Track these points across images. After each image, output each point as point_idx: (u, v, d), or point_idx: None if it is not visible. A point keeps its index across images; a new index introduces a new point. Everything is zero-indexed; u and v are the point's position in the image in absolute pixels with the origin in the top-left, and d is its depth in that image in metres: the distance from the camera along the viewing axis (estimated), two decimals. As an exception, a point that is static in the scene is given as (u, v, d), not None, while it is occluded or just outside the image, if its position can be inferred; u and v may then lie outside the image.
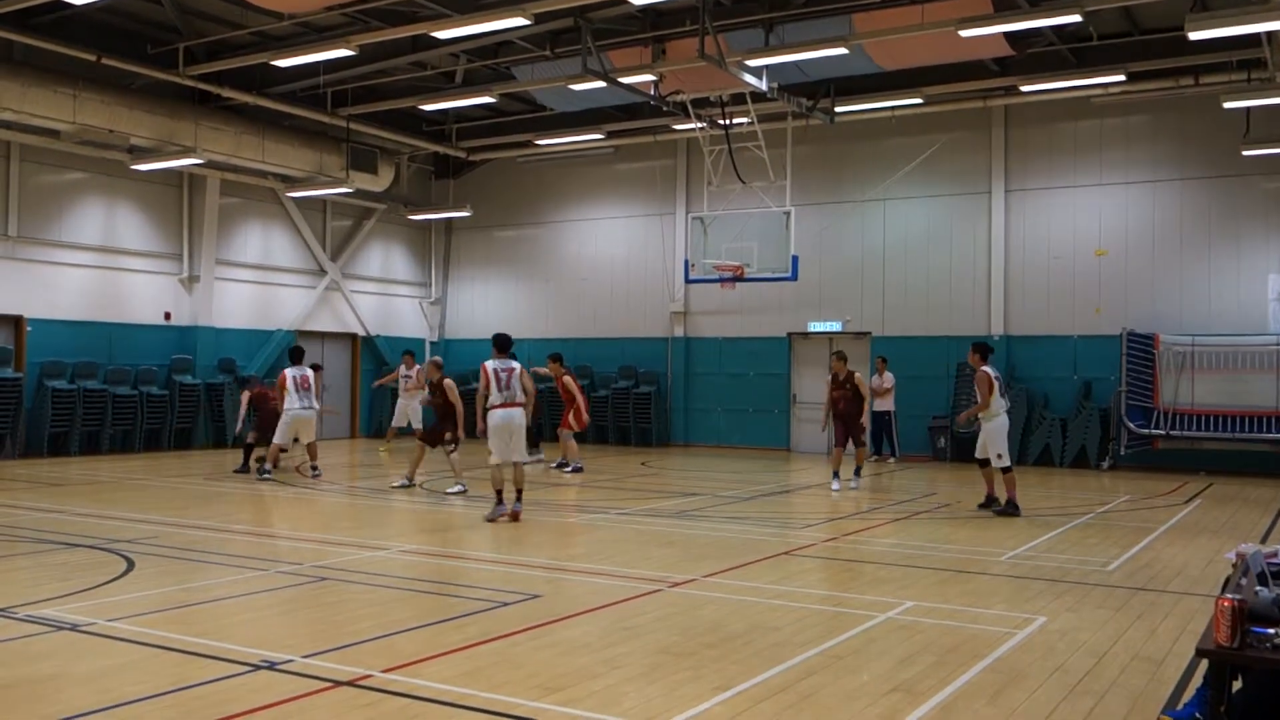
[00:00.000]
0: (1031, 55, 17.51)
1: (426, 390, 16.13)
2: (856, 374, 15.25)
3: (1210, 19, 13.17)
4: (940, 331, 20.91)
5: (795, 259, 17.61)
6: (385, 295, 25.91)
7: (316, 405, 15.83)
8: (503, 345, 11.91)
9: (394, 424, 20.20)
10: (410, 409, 19.77)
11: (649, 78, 17.02)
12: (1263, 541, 10.21)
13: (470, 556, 9.38)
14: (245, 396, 17.13)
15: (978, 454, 12.83)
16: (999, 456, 12.46)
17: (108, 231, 20.37)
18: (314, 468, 15.78)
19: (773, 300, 22.10)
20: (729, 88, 17.19)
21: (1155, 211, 19.39)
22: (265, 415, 16.17)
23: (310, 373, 15.91)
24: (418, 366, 19.68)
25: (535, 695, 5.29)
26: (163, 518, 11.40)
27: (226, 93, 18.79)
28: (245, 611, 7.26)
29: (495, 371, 11.62)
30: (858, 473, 15.67)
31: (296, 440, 15.72)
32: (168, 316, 21.27)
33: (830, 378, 15.38)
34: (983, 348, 12.94)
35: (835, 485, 15.14)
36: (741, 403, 22.89)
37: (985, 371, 12.56)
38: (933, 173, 21.01)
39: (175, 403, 20.33)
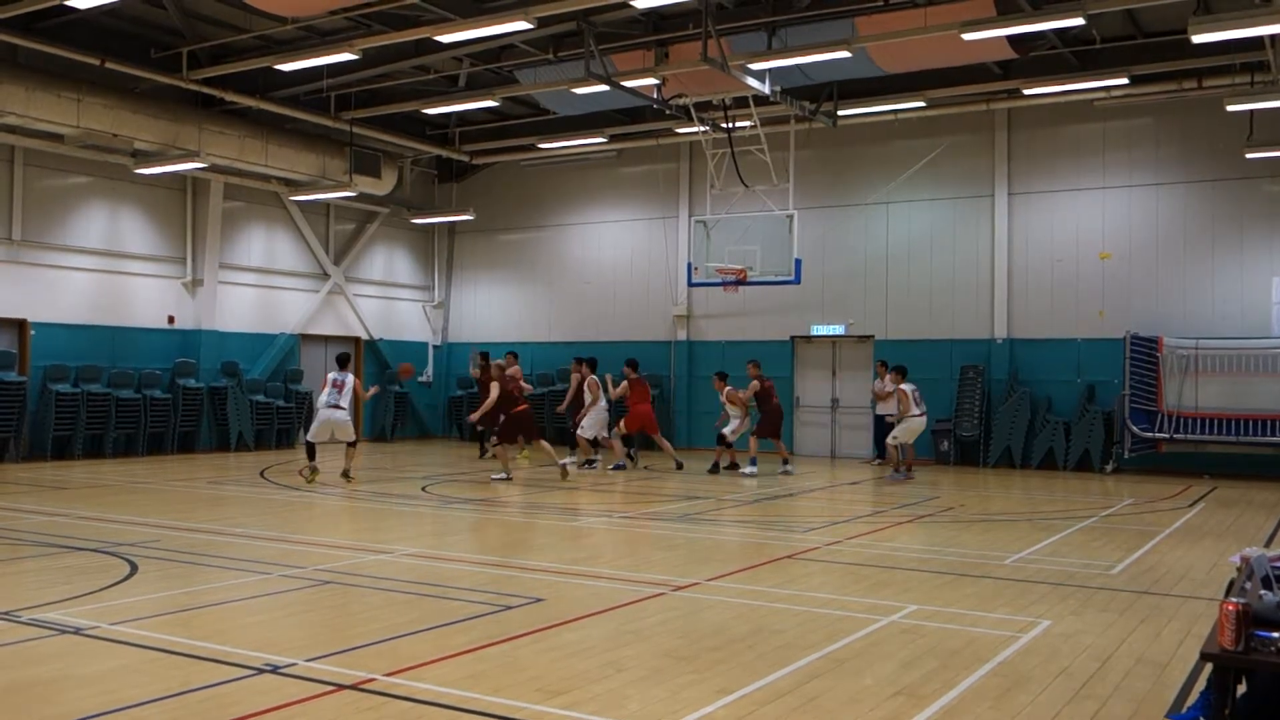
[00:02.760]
0: (1034, 58, 17.52)
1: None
2: (761, 384, 17.65)
3: (1213, 22, 13.16)
4: (943, 335, 20.89)
5: (798, 262, 17.59)
6: (388, 299, 25.93)
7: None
8: (904, 371, 17.46)
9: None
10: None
11: (652, 81, 17.02)
12: (1267, 545, 10.21)
13: (473, 560, 9.39)
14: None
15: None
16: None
17: (111, 235, 20.40)
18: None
19: (776, 303, 22.09)
20: (731, 91, 17.18)
21: (1159, 214, 19.37)
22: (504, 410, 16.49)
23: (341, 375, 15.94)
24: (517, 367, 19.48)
25: (538, 699, 5.28)
26: (166, 521, 11.41)
27: (230, 96, 18.82)
28: (248, 615, 7.26)
29: (913, 393, 17.06)
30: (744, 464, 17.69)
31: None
32: (171, 320, 21.29)
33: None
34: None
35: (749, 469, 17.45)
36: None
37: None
38: (936, 176, 21.01)
39: (179, 406, 20.35)
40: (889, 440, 17.40)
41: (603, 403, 18.28)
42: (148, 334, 20.81)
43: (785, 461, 17.85)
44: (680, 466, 18.11)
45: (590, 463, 18.34)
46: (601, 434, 18.45)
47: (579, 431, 18.40)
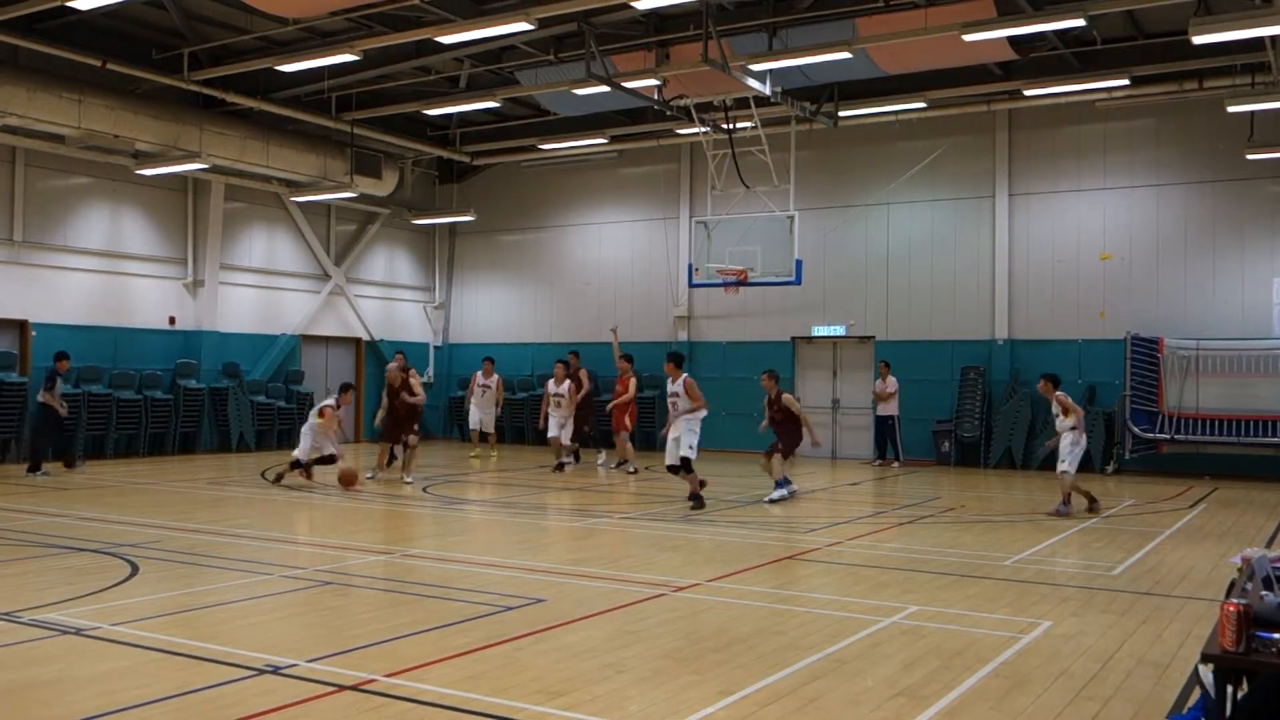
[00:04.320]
0: (1035, 59, 17.52)
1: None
2: (785, 395, 14.53)
3: (1214, 23, 13.16)
4: (944, 336, 20.89)
5: (799, 263, 17.59)
6: (389, 300, 25.93)
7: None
8: (1056, 381, 13.46)
9: (474, 429, 20.30)
10: (485, 416, 19.98)
11: (653, 82, 17.02)
12: (1268, 546, 10.19)
13: (473, 560, 9.38)
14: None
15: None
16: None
17: (113, 236, 20.40)
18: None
19: (776, 304, 22.09)
20: (732, 92, 17.19)
21: (1159, 215, 19.37)
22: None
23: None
24: (496, 376, 20.01)
25: (539, 700, 5.28)
26: (167, 522, 11.41)
27: (231, 97, 18.83)
28: (249, 616, 7.26)
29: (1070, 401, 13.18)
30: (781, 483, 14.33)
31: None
32: (172, 321, 21.30)
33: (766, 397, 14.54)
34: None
35: (775, 494, 14.14)
36: (745, 407, 22.74)
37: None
38: (936, 177, 21.01)
39: (180, 407, 20.36)
40: (1060, 471, 13.15)
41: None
42: (149, 335, 20.81)
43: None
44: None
45: (562, 465, 18.40)
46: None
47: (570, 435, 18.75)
